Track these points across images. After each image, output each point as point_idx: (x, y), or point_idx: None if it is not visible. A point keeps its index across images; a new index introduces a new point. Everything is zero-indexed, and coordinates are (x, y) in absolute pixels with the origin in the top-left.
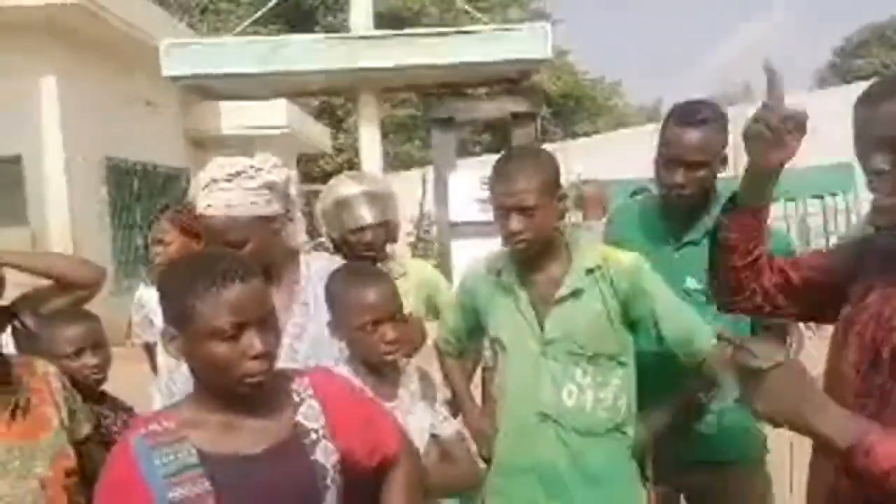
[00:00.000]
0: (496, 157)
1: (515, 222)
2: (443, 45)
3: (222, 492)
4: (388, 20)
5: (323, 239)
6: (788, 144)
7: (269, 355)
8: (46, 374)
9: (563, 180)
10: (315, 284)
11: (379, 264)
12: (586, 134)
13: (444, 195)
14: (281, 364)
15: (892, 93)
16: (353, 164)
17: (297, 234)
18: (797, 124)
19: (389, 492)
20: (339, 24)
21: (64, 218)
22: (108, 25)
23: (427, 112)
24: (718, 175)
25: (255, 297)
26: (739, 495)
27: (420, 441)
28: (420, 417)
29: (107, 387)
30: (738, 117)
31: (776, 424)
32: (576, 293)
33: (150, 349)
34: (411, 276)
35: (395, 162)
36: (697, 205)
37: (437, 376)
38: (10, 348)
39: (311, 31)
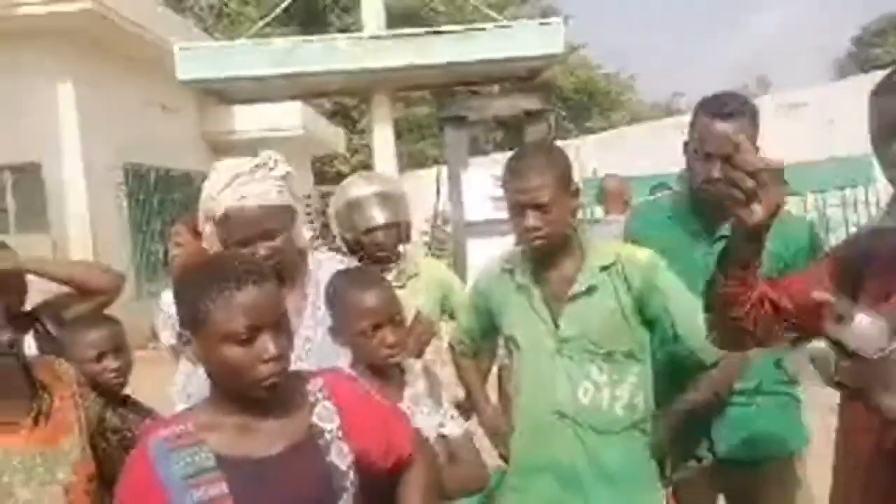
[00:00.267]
0: (510, 154)
1: (532, 219)
2: (455, 44)
3: (239, 494)
4: (401, 19)
5: (336, 239)
6: (768, 198)
7: (283, 358)
8: (66, 374)
9: (578, 176)
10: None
11: (392, 264)
12: (601, 130)
13: (459, 194)
14: (294, 366)
15: None
16: (367, 165)
17: (303, 232)
18: (772, 174)
19: (405, 492)
20: (352, 24)
21: (84, 224)
22: (123, 31)
23: (440, 111)
24: None
25: (268, 301)
26: (780, 492)
27: None
28: (426, 418)
29: (130, 390)
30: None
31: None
32: (590, 290)
33: (177, 352)
34: (424, 276)
35: (410, 161)
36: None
37: (450, 376)
38: (32, 351)
39: (324, 32)
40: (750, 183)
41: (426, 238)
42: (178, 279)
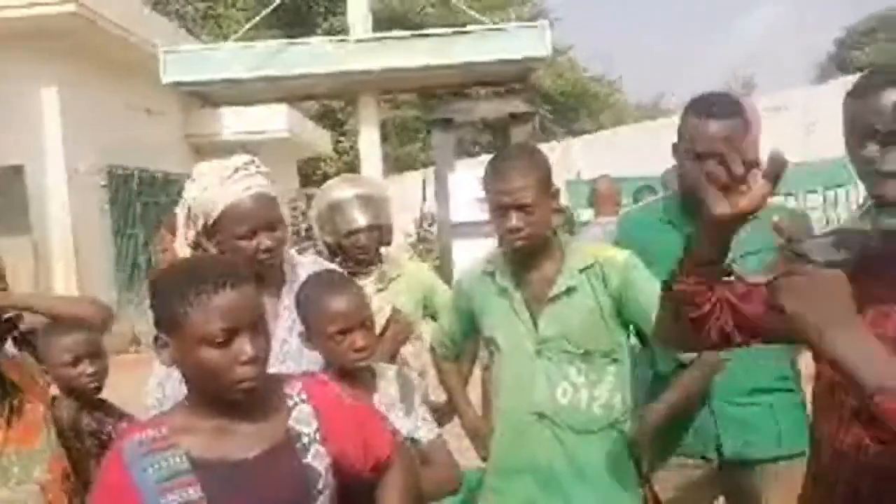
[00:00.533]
0: (491, 157)
1: (514, 220)
2: (441, 46)
3: (214, 498)
4: (387, 22)
5: (308, 245)
6: (754, 192)
7: (260, 360)
8: (36, 373)
9: (564, 178)
10: None
11: (373, 267)
12: (587, 132)
13: (445, 196)
14: (273, 369)
15: (886, 84)
16: (354, 167)
17: None
18: (774, 166)
19: (384, 495)
20: (339, 27)
21: (66, 227)
22: (107, 34)
23: (426, 113)
24: None
25: (246, 303)
26: (783, 493)
27: None
28: (398, 422)
29: (111, 394)
30: None
31: (797, 332)
32: (569, 292)
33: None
34: (406, 277)
35: (397, 164)
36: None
37: (432, 377)
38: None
39: (310, 34)
40: (739, 168)
41: (412, 239)
42: (154, 282)
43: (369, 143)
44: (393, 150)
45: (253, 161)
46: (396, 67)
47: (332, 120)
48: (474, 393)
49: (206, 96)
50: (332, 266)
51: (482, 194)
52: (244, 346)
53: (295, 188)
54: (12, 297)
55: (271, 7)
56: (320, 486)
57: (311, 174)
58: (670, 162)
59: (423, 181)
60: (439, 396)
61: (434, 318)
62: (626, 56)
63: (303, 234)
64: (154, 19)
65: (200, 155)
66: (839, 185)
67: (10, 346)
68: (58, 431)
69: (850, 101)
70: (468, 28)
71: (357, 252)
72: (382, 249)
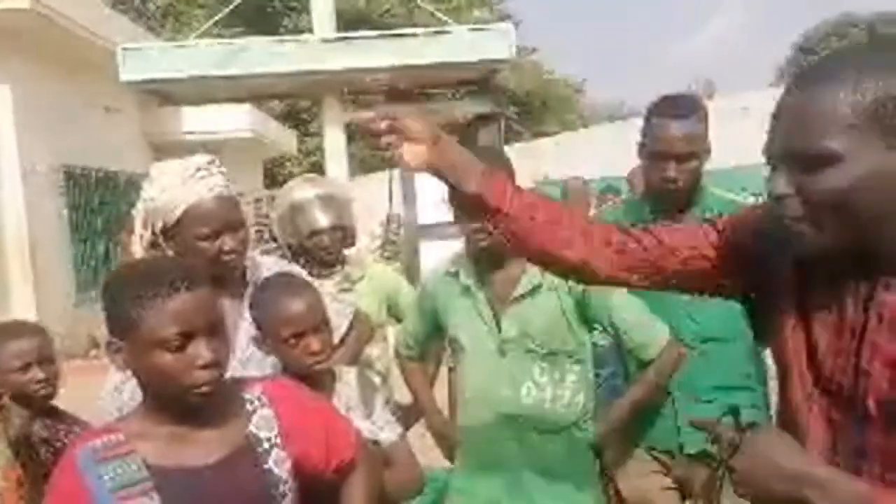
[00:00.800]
0: None
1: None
2: (405, 47)
3: None
4: (352, 22)
5: (274, 246)
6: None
7: (217, 364)
8: None
9: (531, 180)
10: None
11: (337, 268)
12: (553, 133)
13: (412, 197)
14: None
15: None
16: (320, 167)
17: None
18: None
19: (347, 496)
20: (302, 26)
21: (21, 228)
22: (63, 31)
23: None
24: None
25: (202, 306)
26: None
27: None
28: (358, 424)
29: (69, 401)
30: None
31: None
32: (532, 292)
33: None
34: (370, 279)
35: (363, 164)
36: (687, 198)
37: (397, 378)
38: None
39: (273, 34)
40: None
41: (379, 241)
42: (108, 284)
43: (335, 143)
44: (359, 150)
45: (213, 161)
46: (360, 68)
47: (296, 120)
48: (440, 394)
49: (166, 94)
50: (295, 268)
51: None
52: (200, 350)
53: (259, 188)
54: None
55: (233, 4)
56: (282, 490)
57: (276, 175)
58: (636, 162)
59: (390, 182)
60: (405, 397)
61: (399, 319)
62: (590, 58)
63: (267, 235)
64: (114, 18)
65: (161, 154)
66: None
67: None
68: (8, 440)
69: (771, 120)
70: (433, 29)
71: (320, 253)
72: (347, 251)
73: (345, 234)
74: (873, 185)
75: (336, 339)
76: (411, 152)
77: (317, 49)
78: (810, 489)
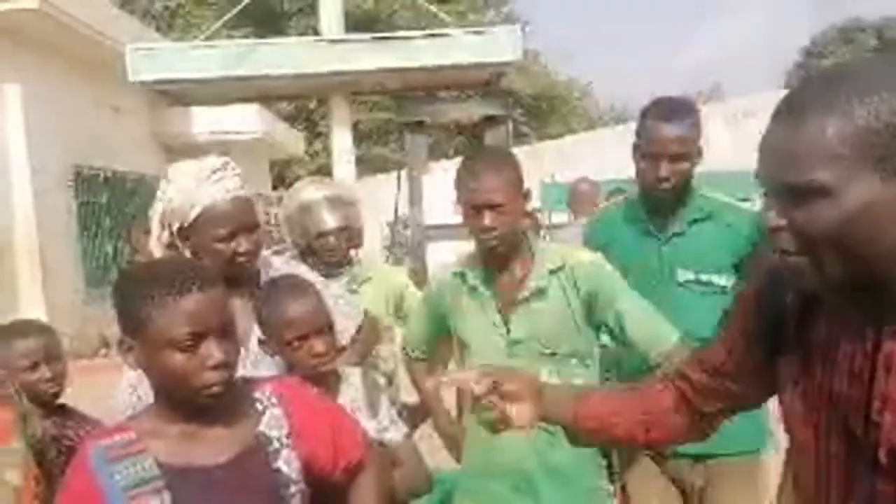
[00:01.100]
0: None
1: (488, 218)
2: (413, 49)
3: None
4: (360, 23)
5: (288, 246)
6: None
7: (228, 365)
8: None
9: (538, 181)
10: None
11: (344, 269)
12: (559, 135)
13: (419, 198)
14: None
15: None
16: (327, 169)
17: None
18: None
19: (356, 497)
20: (311, 27)
21: (30, 227)
22: (73, 31)
23: (399, 115)
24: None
25: (213, 306)
26: (733, 489)
27: None
28: (364, 425)
29: (79, 401)
30: (710, 115)
31: None
32: (539, 293)
33: None
34: (377, 280)
35: (371, 165)
36: (677, 197)
37: (404, 381)
38: None
39: (281, 35)
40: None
41: (386, 242)
42: (119, 283)
43: (342, 144)
44: (367, 151)
45: (228, 163)
46: (368, 69)
47: (305, 121)
48: (447, 395)
49: (174, 95)
50: (304, 268)
51: (455, 196)
52: (211, 350)
53: (267, 189)
54: None
55: (241, 5)
56: (291, 490)
57: (284, 176)
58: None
59: (398, 183)
60: (412, 397)
61: (405, 320)
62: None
63: (276, 236)
64: (123, 18)
65: (170, 154)
66: None
67: None
68: (26, 440)
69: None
70: (440, 31)
71: (327, 254)
72: (354, 252)
73: (351, 234)
74: (868, 219)
75: (346, 341)
76: (519, 412)
77: (325, 51)
78: None
